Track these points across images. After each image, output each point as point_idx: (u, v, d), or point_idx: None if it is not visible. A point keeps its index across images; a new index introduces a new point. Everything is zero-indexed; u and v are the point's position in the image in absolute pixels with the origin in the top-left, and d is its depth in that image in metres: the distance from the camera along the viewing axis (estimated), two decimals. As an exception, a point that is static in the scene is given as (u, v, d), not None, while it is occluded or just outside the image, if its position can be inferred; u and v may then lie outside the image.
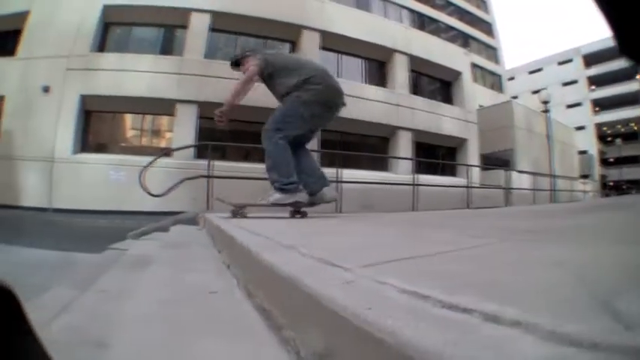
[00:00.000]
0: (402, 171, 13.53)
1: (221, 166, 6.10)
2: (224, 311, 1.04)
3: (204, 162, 9.96)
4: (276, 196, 2.84)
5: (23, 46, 14.02)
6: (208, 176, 5.61)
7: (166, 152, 10.41)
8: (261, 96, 12.38)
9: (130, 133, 14.00)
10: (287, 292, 0.82)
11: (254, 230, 1.81)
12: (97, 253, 4.17)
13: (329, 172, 9.65)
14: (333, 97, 3.03)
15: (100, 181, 12.22)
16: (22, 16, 14.18)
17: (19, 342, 0.35)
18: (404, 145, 15.02)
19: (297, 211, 3.04)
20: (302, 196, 2.86)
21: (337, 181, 7.37)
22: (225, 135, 11.54)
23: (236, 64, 3.36)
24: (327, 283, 0.72)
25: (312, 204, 2.99)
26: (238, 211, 3.05)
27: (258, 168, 9.78)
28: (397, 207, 7.43)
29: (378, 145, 15.22)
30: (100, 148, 13.23)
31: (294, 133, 2.91)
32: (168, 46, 13.86)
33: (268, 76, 3.09)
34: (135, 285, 1.61)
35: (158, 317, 1.03)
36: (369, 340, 0.50)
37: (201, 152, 11.36)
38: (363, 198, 8.33)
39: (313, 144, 12.86)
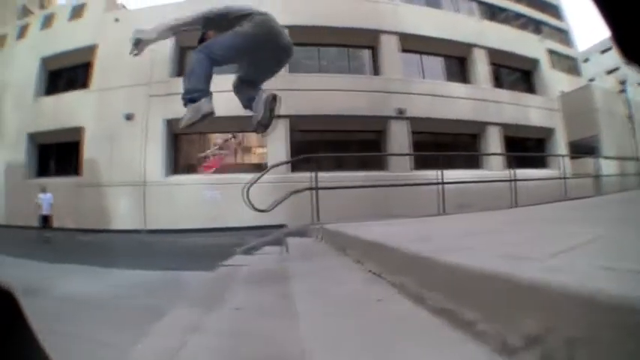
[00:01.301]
0: (493, 167, 12.79)
1: (321, 177, 5.79)
2: (403, 317, 1.02)
3: (299, 175, 9.80)
4: (185, 117, 2.48)
5: (96, 78, 14.47)
6: (313, 188, 5.40)
7: (272, 166, 10.07)
8: (352, 104, 11.92)
9: (219, 152, 14.06)
10: (480, 287, 0.84)
11: (389, 237, 1.77)
12: (205, 270, 3.92)
13: (427, 174, 9.35)
14: (276, 35, 2.63)
15: (194, 200, 12.38)
16: (90, 50, 14.72)
17: (19, 342, 0.35)
18: (493, 141, 14.22)
19: None
20: (208, 107, 2.45)
21: (439, 183, 7.10)
22: (318, 146, 11.30)
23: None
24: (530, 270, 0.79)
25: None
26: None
27: (359, 176, 9.73)
28: (496, 204, 6.93)
29: (469, 142, 14.49)
30: (191, 169, 13.34)
31: (221, 56, 2.58)
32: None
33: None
34: (281, 300, 1.56)
35: (340, 331, 0.96)
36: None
37: (294, 166, 11.08)
38: (460, 198, 7.80)
39: (403, 144, 12.57)
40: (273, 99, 2.74)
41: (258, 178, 5.66)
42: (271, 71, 2.89)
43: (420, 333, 0.92)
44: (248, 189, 5.33)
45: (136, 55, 2.50)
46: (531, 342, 0.68)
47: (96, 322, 2.49)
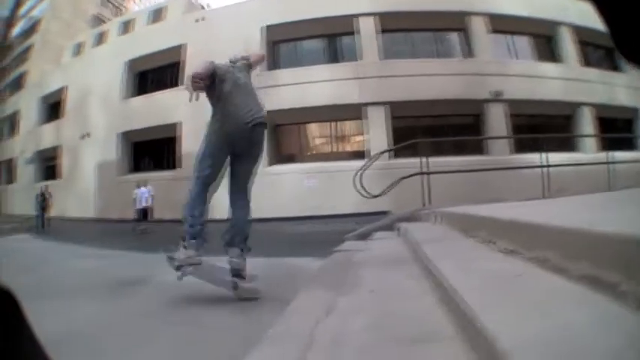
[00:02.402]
0: (587, 149, 12.48)
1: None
2: (547, 288, 1.02)
3: (401, 161, 9.78)
4: (182, 254, 2.62)
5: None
6: (423, 173, 5.31)
7: (382, 152, 10.04)
8: (446, 88, 11.58)
9: (317, 142, 14.23)
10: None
11: (522, 216, 1.71)
12: (313, 257, 3.89)
13: (526, 158, 9.12)
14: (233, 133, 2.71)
15: (294, 189, 12.47)
16: (177, 50, 15.13)
17: (19, 343, 0.35)
18: (586, 122, 13.86)
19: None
20: (197, 260, 2.61)
21: (544, 166, 6.94)
22: (417, 132, 11.26)
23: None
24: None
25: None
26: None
27: (459, 161, 9.57)
28: (591, 188, 6.70)
29: (561, 124, 14.18)
30: (291, 159, 13.52)
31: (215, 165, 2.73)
32: (337, 54, 14.02)
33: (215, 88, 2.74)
34: (412, 280, 1.59)
35: (490, 303, 0.94)
36: None
37: (396, 153, 11.03)
38: (553, 182, 7.56)
39: (501, 127, 12.40)
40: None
41: (369, 164, 5.68)
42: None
43: (567, 299, 0.93)
44: (360, 175, 5.36)
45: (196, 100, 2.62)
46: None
47: (217, 308, 2.47)
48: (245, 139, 2.72)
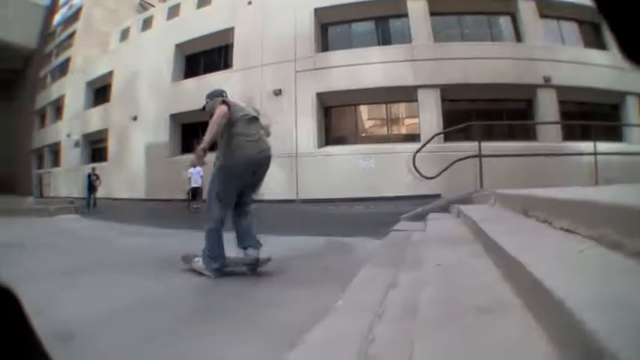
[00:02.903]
0: (634, 140, 12.31)
1: (473, 146, 5.74)
2: (609, 261, 1.06)
3: (453, 144, 9.78)
4: (200, 264, 2.84)
5: (237, 59, 15.12)
6: (478, 155, 5.27)
7: (437, 134, 10.05)
8: (498, 72, 11.37)
9: (369, 124, 14.35)
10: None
11: (582, 196, 1.72)
12: (369, 237, 3.98)
13: (576, 146, 8.98)
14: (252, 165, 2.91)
15: (347, 170, 12.58)
16: (228, 33, 15.36)
17: (20, 342, 0.34)
18: (632, 112, 13.60)
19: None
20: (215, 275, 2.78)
21: (592, 154, 6.81)
22: (468, 116, 11.21)
23: (204, 109, 3.13)
24: None
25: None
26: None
27: (510, 146, 9.46)
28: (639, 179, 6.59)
29: (609, 114, 13.94)
30: (343, 140, 13.67)
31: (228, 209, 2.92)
32: (387, 37, 14.03)
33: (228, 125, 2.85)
34: (476, 257, 1.62)
35: (558, 273, 0.95)
36: None
37: (447, 136, 11.01)
38: (601, 171, 7.48)
39: (551, 113, 12.26)
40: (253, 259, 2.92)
41: (424, 145, 5.76)
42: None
43: (625, 272, 0.96)
44: (414, 157, 5.41)
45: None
46: None
47: (280, 283, 2.50)
48: (264, 166, 2.96)
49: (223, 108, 2.77)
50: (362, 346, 1.16)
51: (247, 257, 2.85)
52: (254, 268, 2.83)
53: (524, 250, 1.15)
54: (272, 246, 3.66)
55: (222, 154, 2.86)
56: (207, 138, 2.73)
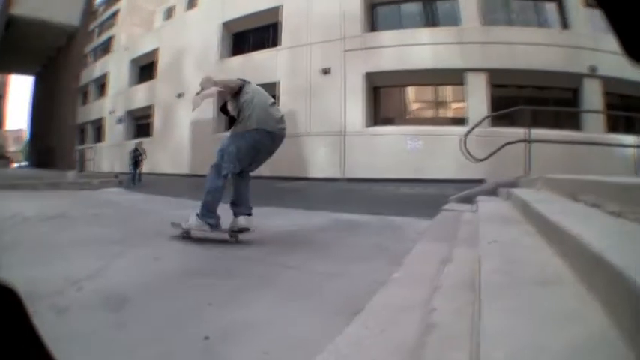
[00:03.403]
0: None
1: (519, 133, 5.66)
2: None
3: (500, 130, 9.62)
4: (195, 227, 3.00)
5: (285, 37, 15.18)
6: (527, 140, 5.30)
7: (486, 117, 9.87)
8: (544, 59, 10.99)
9: (416, 105, 14.31)
10: None
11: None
12: (417, 217, 3.97)
13: (619, 138, 8.63)
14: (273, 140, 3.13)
15: (394, 151, 12.63)
16: (275, 11, 15.41)
17: (22, 341, 0.34)
18: None
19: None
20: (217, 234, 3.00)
21: (636, 146, 6.96)
22: (515, 102, 11.00)
23: (223, 110, 3.31)
24: None
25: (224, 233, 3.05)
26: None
27: (554, 134, 9.26)
28: None
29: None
30: (390, 121, 13.72)
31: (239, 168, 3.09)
32: (435, 18, 13.86)
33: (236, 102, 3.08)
34: (529, 236, 1.66)
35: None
36: None
37: (493, 121, 10.83)
38: None
39: (595, 104, 11.89)
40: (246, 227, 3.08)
41: (474, 127, 5.81)
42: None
43: None
44: (465, 138, 5.43)
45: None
46: None
47: (336, 258, 2.47)
48: (276, 144, 3.18)
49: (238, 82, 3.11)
50: (424, 314, 1.18)
51: (234, 225, 3.02)
52: (236, 236, 3.00)
53: (577, 229, 1.17)
54: (325, 221, 3.85)
55: (254, 121, 3.01)
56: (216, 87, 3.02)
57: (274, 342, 1.26)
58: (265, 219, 3.78)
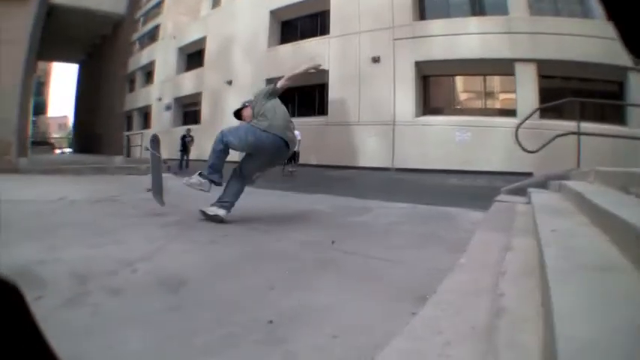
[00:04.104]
0: None
1: (568, 125, 5.56)
2: None
3: (548, 122, 9.46)
4: (195, 182, 3.18)
5: (334, 25, 15.27)
6: (577, 133, 5.21)
7: (538, 109, 9.70)
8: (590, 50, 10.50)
9: (464, 96, 14.25)
10: None
11: None
12: (469, 207, 4.00)
13: None
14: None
15: (443, 141, 12.72)
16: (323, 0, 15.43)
17: (25, 339, 0.34)
18: None
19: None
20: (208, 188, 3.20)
21: None
22: (563, 95, 10.74)
23: (237, 115, 3.51)
24: None
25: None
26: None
27: (604, 129, 8.95)
28: None
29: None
30: (439, 111, 13.76)
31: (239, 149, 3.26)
32: (482, 7, 13.66)
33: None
34: (579, 227, 1.70)
35: None
36: None
37: (542, 113, 10.61)
38: None
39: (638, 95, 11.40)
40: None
41: (526, 118, 5.76)
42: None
43: None
44: (517, 130, 5.39)
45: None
46: None
47: (393, 246, 2.46)
48: (281, 156, 3.44)
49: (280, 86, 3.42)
50: (493, 298, 1.22)
51: (211, 210, 3.13)
52: (209, 219, 3.12)
53: (634, 219, 1.19)
54: (381, 210, 3.92)
55: (278, 127, 3.16)
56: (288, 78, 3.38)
57: (341, 326, 1.27)
58: (318, 204, 4.08)
